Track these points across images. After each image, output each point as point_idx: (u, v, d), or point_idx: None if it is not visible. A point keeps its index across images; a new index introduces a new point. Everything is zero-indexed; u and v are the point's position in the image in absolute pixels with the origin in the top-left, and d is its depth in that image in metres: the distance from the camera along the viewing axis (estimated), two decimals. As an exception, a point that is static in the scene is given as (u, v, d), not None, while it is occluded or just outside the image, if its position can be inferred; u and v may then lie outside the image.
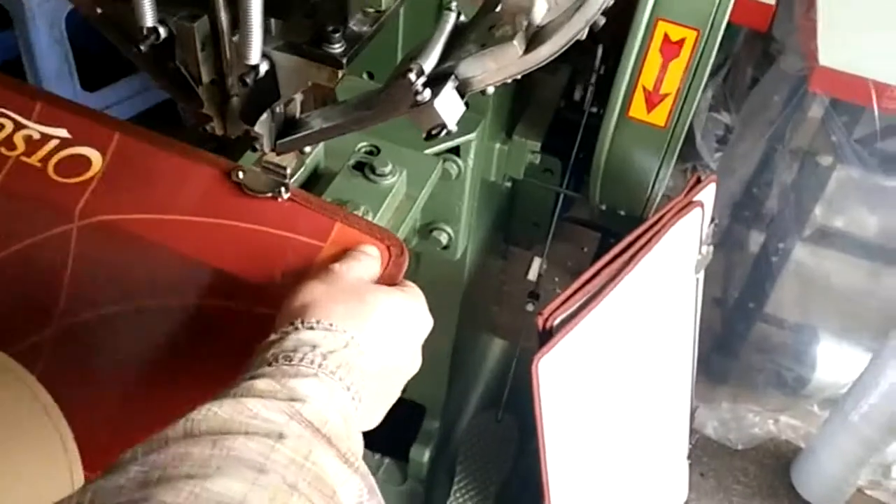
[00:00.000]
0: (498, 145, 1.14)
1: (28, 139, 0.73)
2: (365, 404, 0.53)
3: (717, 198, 1.71)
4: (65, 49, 1.92)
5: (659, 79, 0.93)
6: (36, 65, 1.91)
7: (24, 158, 0.72)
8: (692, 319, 1.40)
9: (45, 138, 0.74)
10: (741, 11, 1.32)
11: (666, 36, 0.90)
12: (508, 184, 1.26)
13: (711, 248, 1.36)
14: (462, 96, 0.59)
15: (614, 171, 1.06)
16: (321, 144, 0.93)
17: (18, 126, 0.75)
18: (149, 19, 0.57)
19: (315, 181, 0.92)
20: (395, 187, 0.88)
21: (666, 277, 1.27)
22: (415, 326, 0.62)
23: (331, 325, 0.55)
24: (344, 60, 0.58)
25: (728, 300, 1.68)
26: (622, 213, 1.22)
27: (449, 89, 0.57)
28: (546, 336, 1.09)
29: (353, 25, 0.59)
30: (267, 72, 0.60)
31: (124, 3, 0.56)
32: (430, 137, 0.59)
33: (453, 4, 0.60)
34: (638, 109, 0.96)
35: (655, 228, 1.17)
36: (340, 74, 0.59)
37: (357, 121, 0.65)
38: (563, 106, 1.21)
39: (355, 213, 0.85)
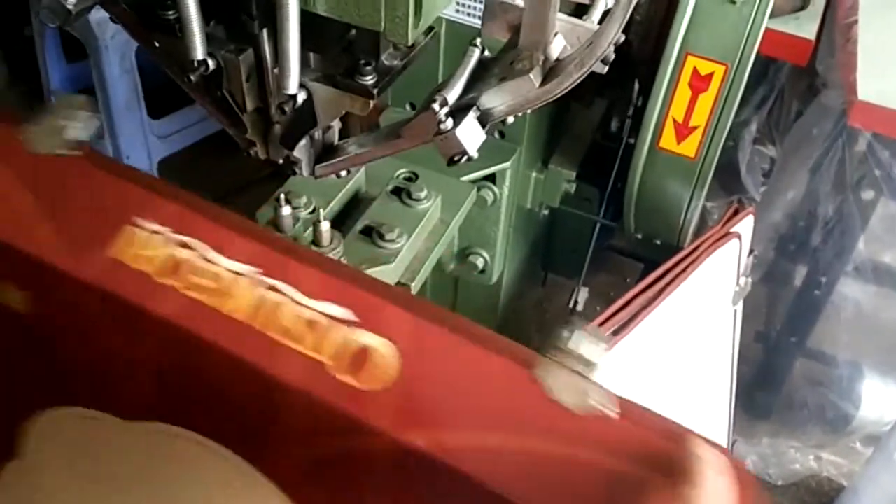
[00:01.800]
0: (534, 174, 1.17)
1: (310, 323, 0.59)
2: None
3: (761, 231, 1.70)
4: (134, 79, 2.04)
5: (688, 111, 0.95)
6: (107, 93, 2.03)
7: (311, 354, 0.58)
8: (730, 351, 1.40)
9: (330, 322, 0.59)
10: (780, 46, 1.34)
11: (695, 70, 0.93)
12: (546, 211, 1.29)
13: (749, 279, 1.36)
14: (483, 126, 0.63)
15: (647, 201, 1.08)
16: (362, 170, 0.98)
17: (293, 301, 0.60)
18: (199, 52, 0.62)
19: (355, 205, 0.97)
20: (429, 212, 0.93)
21: (702, 307, 1.27)
22: None
23: None
24: (375, 91, 0.63)
25: (771, 334, 1.66)
26: (658, 242, 1.23)
27: (470, 119, 0.61)
28: (578, 362, 1.11)
29: (385, 60, 0.64)
30: (305, 101, 0.65)
31: (177, 37, 0.62)
32: (452, 163, 0.63)
33: (478, 40, 0.65)
34: (668, 141, 0.98)
35: (692, 258, 1.18)
36: (372, 104, 0.64)
37: (388, 147, 0.70)
38: (600, 137, 1.24)
39: (388, 235, 0.89)
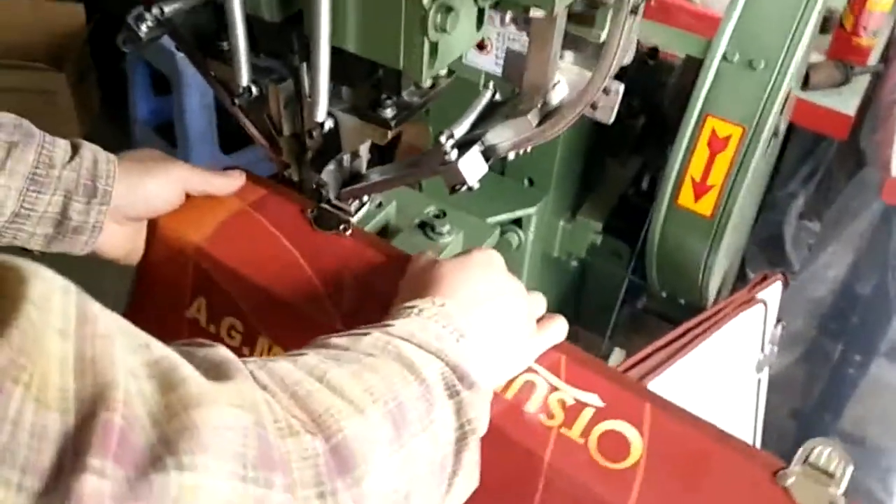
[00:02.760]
0: (562, 223, 1.23)
1: (563, 405, 0.67)
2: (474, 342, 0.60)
3: (802, 307, 1.71)
4: (210, 115, 2.21)
5: (706, 170, 1.00)
6: (185, 125, 2.20)
7: (564, 431, 0.66)
8: (752, 418, 1.40)
9: (580, 406, 0.67)
10: (820, 119, 1.38)
11: (714, 131, 0.98)
12: (575, 263, 1.34)
13: (775, 348, 1.37)
14: (487, 160, 0.71)
15: (667, 257, 1.12)
16: (394, 204, 1.06)
17: (552, 387, 0.69)
18: (244, 79, 0.72)
19: (383, 236, 1.05)
20: (449, 245, 1.00)
21: (723, 370, 1.29)
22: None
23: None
24: (393, 123, 0.71)
25: (805, 412, 1.65)
26: (683, 301, 1.27)
27: (473, 152, 0.69)
28: (590, 408, 1.15)
29: (405, 96, 0.72)
30: (332, 128, 0.74)
31: (228, 65, 0.72)
32: (454, 191, 0.70)
33: (490, 84, 0.73)
34: (686, 198, 1.03)
35: (713, 320, 1.21)
36: (390, 135, 0.72)
37: (405, 176, 0.78)
38: (632, 194, 1.29)
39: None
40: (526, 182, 1.15)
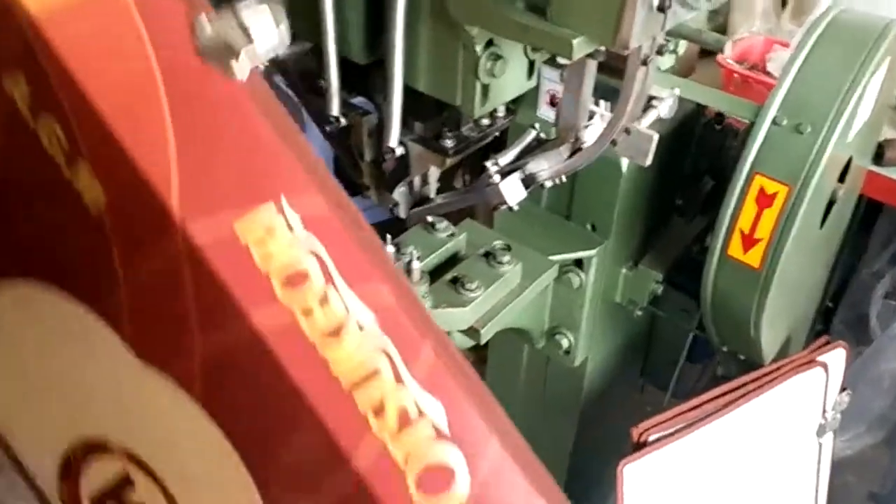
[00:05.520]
0: (623, 270, 1.35)
1: (402, 412, 0.56)
2: None
3: (887, 386, 1.73)
4: (326, 159, 2.47)
5: (754, 224, 1.11)
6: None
7: (389, 445, 0.56)
8: (812, 485, 1.43)
9: (419, 418, 0.56)
10: (886, 191, 1.45)
11: (762, 188, 1.09)
12: (640, 312, 1.44)
13: (839, 416, 1.40)
14: (527, 187, 0.86)
15: (720, 308, 1.22)
16: (464, 235, 1.23)
17: (398, 381, 0.57)
18: (335, 111, 0.91)
19: (452, 263, 1.21)
20: (508, 274, 1.14)
21: (778, 430, 1.34)
22: None
23: None
24: (451, 152, 0.88)
25: (882, 495, 1.64)
26: (742, 357, 1.35)
27: (514, 178, 0.84)
28: (638, 447, 1.24)
29: (464, 130, 0.89)
30: (402, 155, 0.92)
31: (322, 98, 0.91)
32: (495, 209, 0.85)
33: (536, 124, 0.88)
34: (735, 249, 1.14)
35: (770, 377, 1.28)
36: (448, 162, 0.89)
37: (461, 200, 0.94)
38: (696, 251, 1.40)
39: (469, 285, 1.11)
40: (589, 227, 1.28)
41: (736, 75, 1.62)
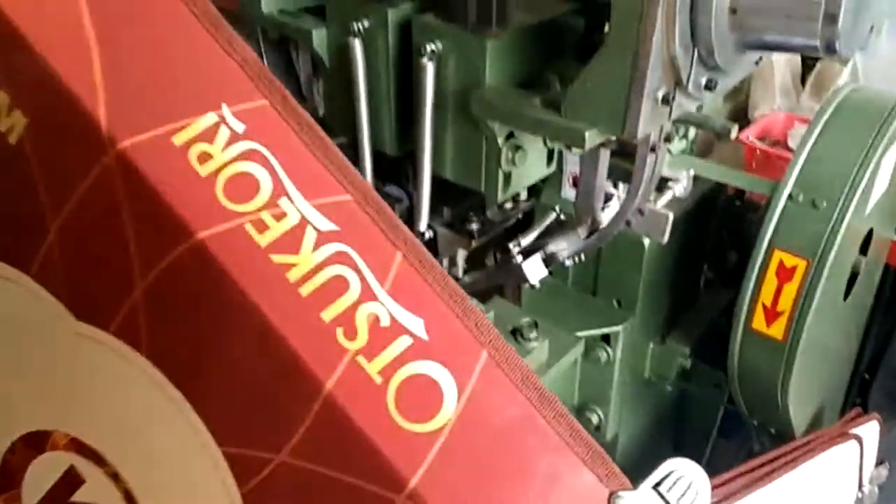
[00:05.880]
0: (651, 345, 1.38)
1: (374, 324, 0.52)
2: None
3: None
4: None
5: (776, 297, 1.14)
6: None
7: (360, 360, 0.51)
8: (854, 563, 1.40)
9: (395, 331, 0.52)
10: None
11: (781, 262, 1.13)
12: (669, 388, 1.47)
13: (876, 490, 1.39)
14: (548, 266, 0.91)
15: (746, 381, 1.24)
16: (492, 313, 1.27)
17: (367, 293, 0.52)
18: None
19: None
20: (534, 350, 1.18)
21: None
22: None
23: None
24: (476, 235, 0.94)
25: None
26: (773, 431, 1.36)
27: (535, 258, 0.90)
28: (670, 523, 1.25)
29: (489, 215, 0.96)
30: (432, 238, 0.98)
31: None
32: (518, 289, 0.90)
33: (557, 207, 0.94)
34: (759, 322, 1.17)
35: (802, 450, 1.29)
36: (474, 244, 0.95)
37: (488, 280, 1.00)
38: (724, 324, 1.42)
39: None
40: (615, 303, 1.32)
41: (758, 152, 1.68)
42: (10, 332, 0.66)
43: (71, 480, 0.64)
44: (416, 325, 0.52)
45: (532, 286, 0.90)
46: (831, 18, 0.72)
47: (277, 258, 0.53)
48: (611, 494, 0.53)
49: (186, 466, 0.59)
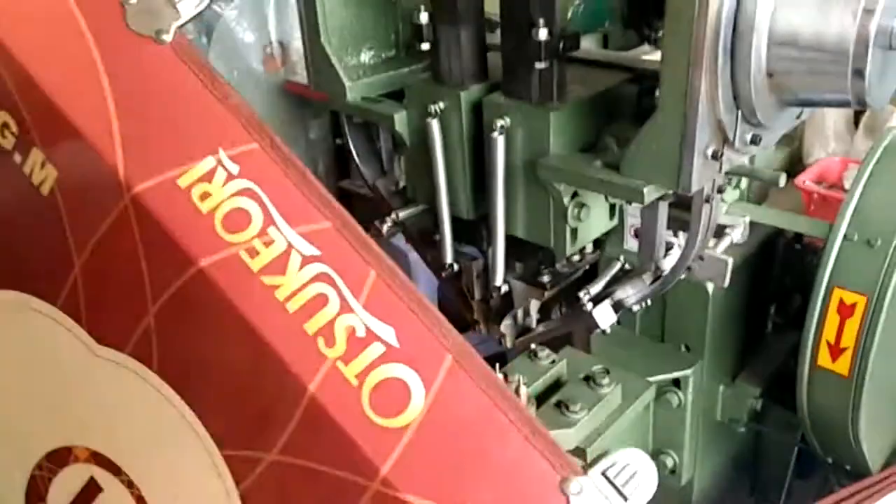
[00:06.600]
0: (721, 387, 1.45)
1: (351, 333, 0.61)
2: None
3: None
4: (434, 299, 2.66)
5: (839, 334, 1.21)
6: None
7: (339, 365, 0.60)
8: None
9: (368, 339, 0.60)
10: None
11: (841, 300, 1.20)
12: (743, 429, 1.52)
13: (962, 525, 1.40)
14: (616, 311, 1.00)
15: (817, 418, 1.30)
16: (564, 361, 1.36)
17: (344, 307, 0.61)
18: (449, 258, 1.10)
19: (555, 388, 1.34)
20: (608, 395, 1.26)
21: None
22: None
23: None
24: (548, 286, 1.04)
25: None
26: (848, 468, 1.40)
27: (605, 305, 0.99)
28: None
29: (559, 267, 1.06)
30: (507, 292, 1.08)
31: (437, 250, 1.10)
32: (589, 333, 1.00)
33: (621, 257, 1.04)
34: (824, 359, 1.23)
35: (877, 487, 1.32)
36: (546, 295, 1.05)
37: (559, 328, 1.09)
38: (792, 364, 1.48)
39: (573, 408, 1.23)
40: (683, 347, 1.40)
41: (815, 195, 1.75)
42: (40, 359, 0.77)
43: (91, 490, 0.76)
44: (387, 333, 0.61)
45: (603, 332, 0.99)
46: (859, 74, 0.81)
47: (267, 280, 0.63)
48: (562, 479, 0.60)
49: (191, 469, 0.67)
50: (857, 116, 1.95)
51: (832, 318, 1.22)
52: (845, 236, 1.22)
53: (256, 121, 0.71)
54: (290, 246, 0.65)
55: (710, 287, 1.30)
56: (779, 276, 1.48)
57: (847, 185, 1.85)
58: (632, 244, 1.30)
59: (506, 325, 1.13)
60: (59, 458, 0.78)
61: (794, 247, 1.46)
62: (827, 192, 1.81)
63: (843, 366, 1.22)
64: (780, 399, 1.46)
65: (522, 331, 1.15)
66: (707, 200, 0.89)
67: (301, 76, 1.94)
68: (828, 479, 1.65)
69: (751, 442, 1.60)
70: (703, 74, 0.79)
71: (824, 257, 1.23)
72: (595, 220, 0.98)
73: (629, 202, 0.93)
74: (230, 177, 0.66)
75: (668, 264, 0.98)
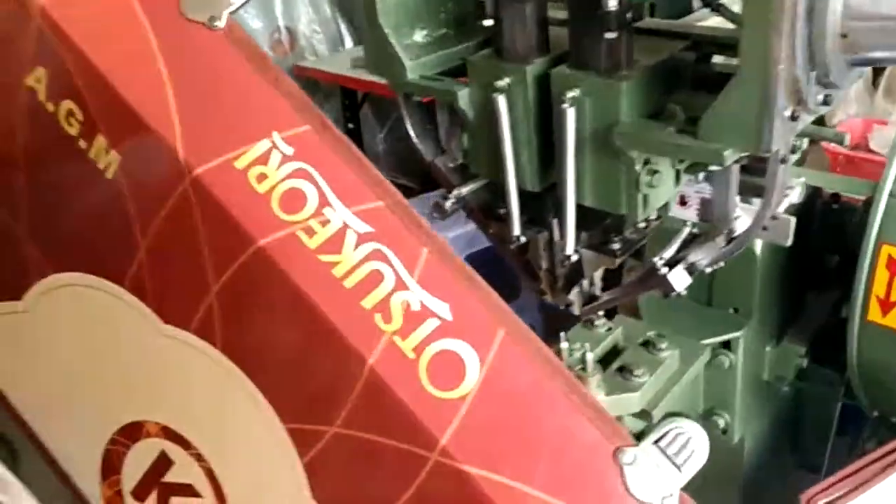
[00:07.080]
0: (768, 348, 1.50)
1: (407, 309, 0.63)
2: None
3: None
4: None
5: (888, 289, 1.26)
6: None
7: (396, 339, 0.62)
8: None
9: (424, 314, 0.63)
10: None
11: (889, 255, 1.25)
12: (787, 388, 1.57)
13: None
14: (690, 275, 1.04)
15: (867, 373, 1.35)
16: (620, 329, 1.40)
17: (399, 283, 0.64)
18: (516, 231, 1.13)
19: (614, 354, 1.38)
20: (668, 359, 1.30)
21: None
22: None
23: None
24: (618, 254, 1.08)
25: None
26: (894, 420, 1.45)
27: (679, 269, 1.03)
28: (809, 516, 1.34)
29: (627, 234, 1.09)
30: (577, 261, 1.12)
31: (503, 223, 1.13)
32: (666, 296, 1.04)
33: (689, 222, 1.08)
34: (875, 314, 1.28)
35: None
36: (617, 262, 1.09)
37: (628, 294, 1.13)
38: (833, 322, 1.53)
39: (636, 372, 1.27)
40: (732, 310, 1.44)
41: (841, 157, 1.80)
42: (109, 337, 0.81)
43: (162, 464, 0.79)
44: (442, 308, 0.64)
45: (679, 294, 1.03)
46: (933, 33, 0.85)
47: (324, 258, 0.66)
48: (616, 449, 0.62)
49: (256, 443, 0.71)
50: (876, 79, 2.01)
51: (881, 274, 1.26)
52: (891, 193, 1.27)
53: (307, 103, 0.74)
54: (345, 225, 0.68)
55: (757, 250, 1.34)
56: (818, 235, 1.53)
57: (872, 145, 1.92)
58: (676, 211, 1.34)
59: (574, 294, 1.16)
60: (132, 433, 0.82)
61: (832, 206, 1.51)
62: (852, 153, 1.87)
63: (893, 319, 1.27)
64: (820, 358, 1.52)
65: (589, 298, 1.19)
66: (783, 161, 0.93)
67: (309, 60, 1.93)
68: (858, 438, 1.70)
69: (792, 401, 1.65)
70: (782, 39, 0.82)
71: (871, 215, 1.28)
72: (664, 187, 1.01)
73: (692, 166, 0.97)
74: (285, 158, 0.69)
75: (739, 226, 1.02)
